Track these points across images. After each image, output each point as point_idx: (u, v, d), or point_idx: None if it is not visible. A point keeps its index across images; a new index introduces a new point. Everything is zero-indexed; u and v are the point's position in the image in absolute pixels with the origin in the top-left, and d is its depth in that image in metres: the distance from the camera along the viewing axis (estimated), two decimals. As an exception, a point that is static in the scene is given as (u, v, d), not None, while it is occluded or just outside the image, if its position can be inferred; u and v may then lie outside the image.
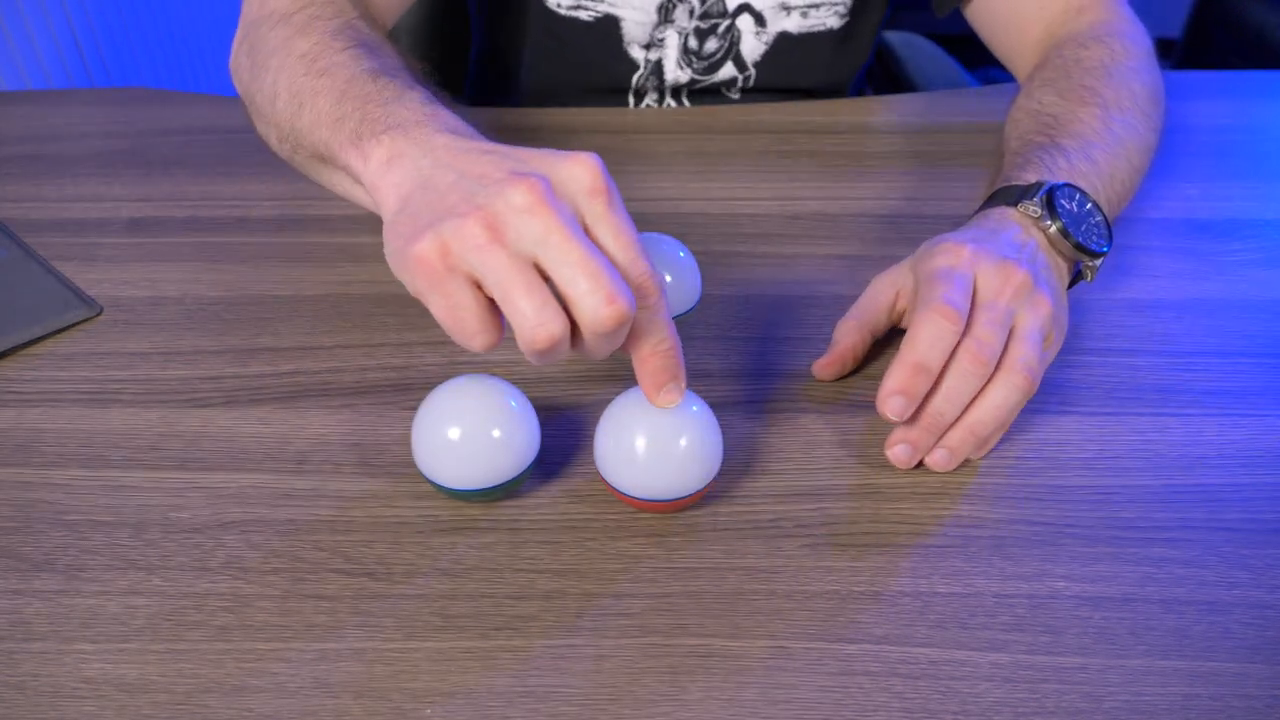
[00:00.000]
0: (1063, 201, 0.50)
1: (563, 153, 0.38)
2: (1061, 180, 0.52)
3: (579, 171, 0.37)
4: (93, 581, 0.41)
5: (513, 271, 0.35)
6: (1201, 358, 0.52)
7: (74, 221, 0.64)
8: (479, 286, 0.36)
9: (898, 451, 0.45)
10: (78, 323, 0.55)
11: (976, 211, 0.54)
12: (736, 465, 0.46)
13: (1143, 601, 0.40)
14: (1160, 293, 0.57)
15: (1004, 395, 0.45)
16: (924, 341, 0.44)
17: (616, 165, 0.70)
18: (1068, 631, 0.39)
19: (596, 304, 0.35)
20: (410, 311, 0.56)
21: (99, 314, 0.56)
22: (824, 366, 0.51)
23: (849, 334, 0.51)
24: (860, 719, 0.36)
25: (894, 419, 0.43)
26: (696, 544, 0.43)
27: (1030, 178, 0.53)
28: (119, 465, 0.47)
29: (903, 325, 0.53)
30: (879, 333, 0.52)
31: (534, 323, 0.35)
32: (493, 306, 0.37)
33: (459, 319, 0.37)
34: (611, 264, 0.36)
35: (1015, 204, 0.51)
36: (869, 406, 0.49)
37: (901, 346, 0.44)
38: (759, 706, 0.37)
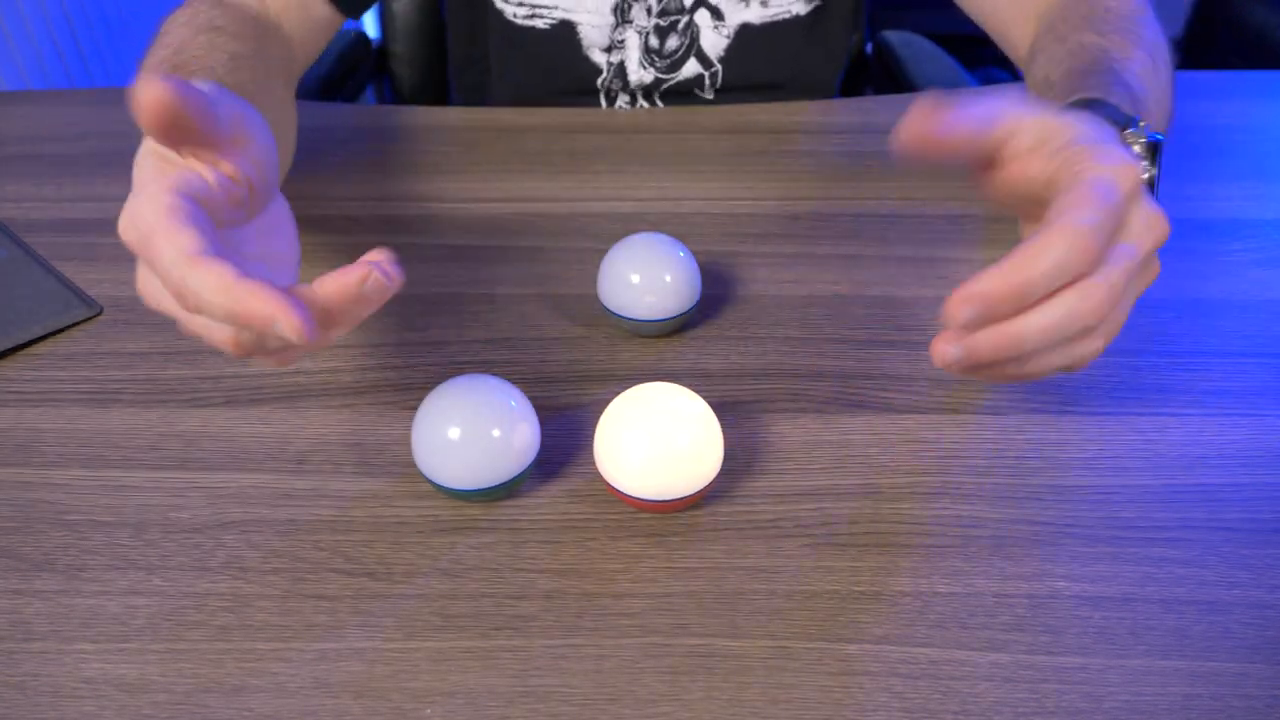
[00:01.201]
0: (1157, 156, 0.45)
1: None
2: (1149, 125, 0.45)
3: None
4: (93, 581, 0.41)
5: None
6: (1201, 358, 0.52)
7: (74, 221, 0.64)
8: None
9: (946, 350, 0.35)
10: (78, 323, 0.55)
11: (1079, 109, 0.44)
12: (736, 465, 0.46)
13: (1143, 601, 0.40)
14: (1160, 293, 0.57)
15: (1069, 360, 0.37)
16: (1046, 264, 0.33)
17: (615, 165, 0.71)
18: (1068, 631, 0.39)
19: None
20: (410, 311, 0.56)
21: (99, 314, 0.56)
22: (922, 115, 0.37)
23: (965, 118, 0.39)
24: (860, 719, 0.36)
25: (952, 324, 0.34)
26: (696, 544, 0.43)
27: (1119, 99, 0.46)
28: (119, 465, 0.47)
29: (1001, 173, 0.40)
30: (983, 144, 0.40)
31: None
32: None
33: None
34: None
35: (1123, 129, 0.44)
36: (869, 406, 0.50)
37: (1018, 251, 0.33)
38: (759, 706, 0.37)
